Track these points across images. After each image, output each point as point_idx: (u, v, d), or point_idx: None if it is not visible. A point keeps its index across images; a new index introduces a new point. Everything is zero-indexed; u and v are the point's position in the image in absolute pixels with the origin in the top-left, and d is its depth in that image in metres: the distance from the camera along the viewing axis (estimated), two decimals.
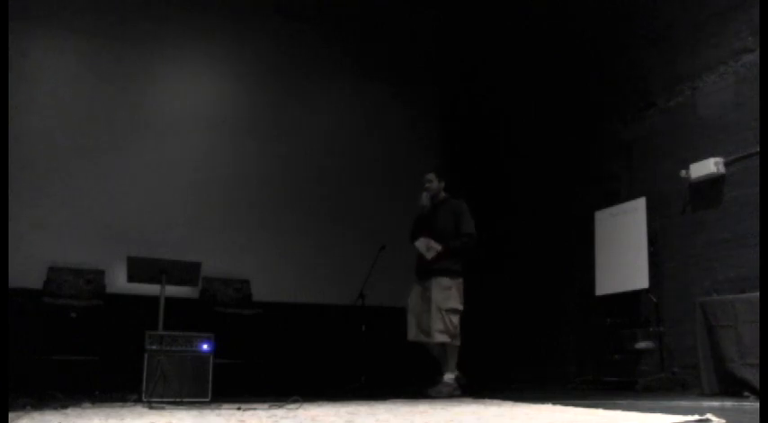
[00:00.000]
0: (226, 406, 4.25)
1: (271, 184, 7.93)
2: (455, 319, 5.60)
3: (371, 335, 6.87)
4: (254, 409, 3.94)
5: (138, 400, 4.64)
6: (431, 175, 5.93)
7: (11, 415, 3.54)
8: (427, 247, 5.63)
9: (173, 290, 5.48)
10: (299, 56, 8.38)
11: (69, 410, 4.02)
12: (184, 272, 5.49)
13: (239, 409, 3.97)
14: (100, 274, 6.18)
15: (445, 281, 5.65)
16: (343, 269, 7.52)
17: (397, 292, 6.76)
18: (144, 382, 4.70)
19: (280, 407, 3.98)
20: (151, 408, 4.33)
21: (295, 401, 4.12)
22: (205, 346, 4.97)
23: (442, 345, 5.64)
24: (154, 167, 7.22)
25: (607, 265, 6.60)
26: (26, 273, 5.94)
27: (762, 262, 4.86)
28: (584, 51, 7.40)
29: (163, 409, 4.27)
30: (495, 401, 4.61)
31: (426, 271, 5.74)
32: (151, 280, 5.39)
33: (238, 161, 7.78)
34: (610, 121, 7.01)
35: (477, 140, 8.99)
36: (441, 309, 5.55)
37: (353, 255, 7.39)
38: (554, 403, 3.97)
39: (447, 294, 5.62)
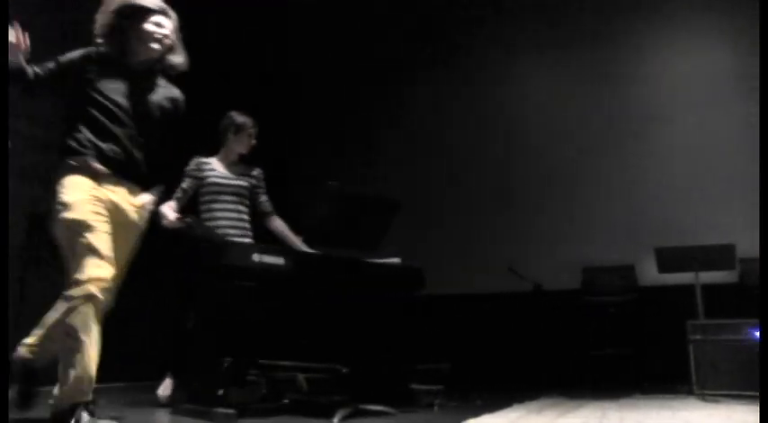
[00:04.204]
0: None
1: None
2: None
3: None
4: None
5: (690, 393, 4.54)
6: None
7: (570, 404, 3.83)
8: None
9: (707, 276, 5.24)
10: None
11: (622, 401, 4.16)
12: (717, 256, 5.22)
13: None
14: (630, 269, 6.27)
15: None
16: None
17: None
18: (693, 374, 4.57)
19: None
20: (704, 400, 4.19)
21: None
22: (757, 334, 4.62)
23: None
24: (666, 154, 7.01)
25: None
26: (563, 275, 6.39)
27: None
28: None
29: (717, 402, 4.09)
30: None
31: None
32: (683, 268, 5.26)
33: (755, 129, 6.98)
34: None
35: None
36: None
37: None
38: None
39: None
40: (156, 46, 2.71)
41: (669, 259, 5.40)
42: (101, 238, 2.48)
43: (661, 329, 5.57)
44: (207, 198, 3.84)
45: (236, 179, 3.88)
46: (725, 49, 7.11)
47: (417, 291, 4.03)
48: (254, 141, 3.98)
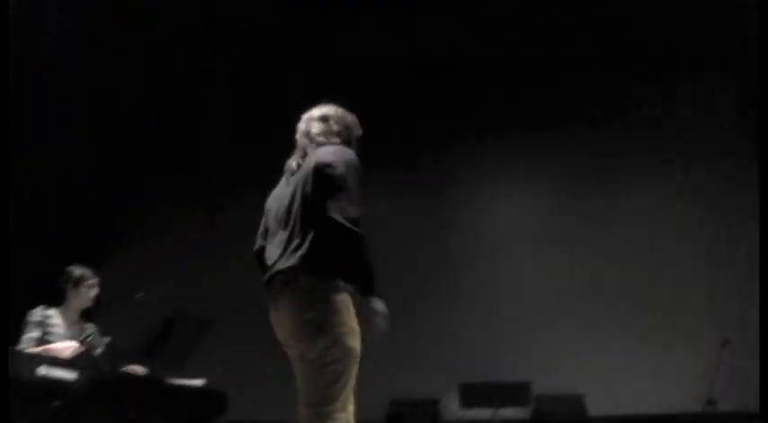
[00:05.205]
0: None
1: (593, 294, 7.58)
2: None
3: None
4: None
5: None
6: None
7: None
8: None
9: (507, 412, 5.46)
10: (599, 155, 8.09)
11: None
12: (515, 393, 5.49)
13: None
14: (435, 403, 6.39)
15: None
16: (686, 371, 6.79)
17: (748, 395, 5.93)
18: None
19: None
20: None
21: None
22: None
23: None
24: (473, 293, 7.40)
25: None
26: (371, 408, 6.35)
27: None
28: None
29: None
30: None
31: None
32: (484, 404, 5.45)
33: (557, 274, 7.59)
34: None
35: None
36: None
37: (694, 354, 6.67)
38: None
39: None
40: None
41: (472, 395, 5.60)
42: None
43: None
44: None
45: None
46: (541, 200, 7.82)
47: (218, 417, 3.83)
48: (95, 291, 3.80)
